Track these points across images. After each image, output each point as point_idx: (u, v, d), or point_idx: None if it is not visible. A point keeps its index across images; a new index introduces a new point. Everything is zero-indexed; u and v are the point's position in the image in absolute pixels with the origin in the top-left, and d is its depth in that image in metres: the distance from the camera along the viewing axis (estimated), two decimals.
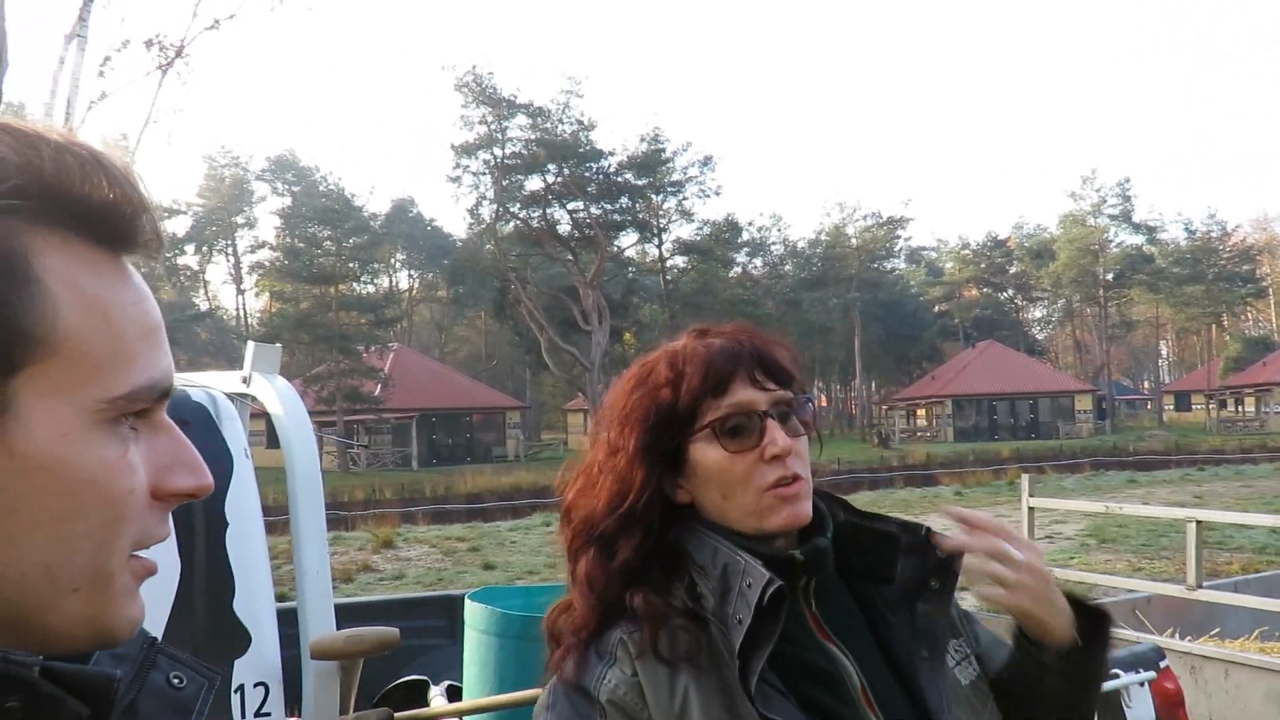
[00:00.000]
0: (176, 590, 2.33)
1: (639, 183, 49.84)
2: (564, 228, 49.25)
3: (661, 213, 52.15)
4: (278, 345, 2.85)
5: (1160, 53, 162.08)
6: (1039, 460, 38.28)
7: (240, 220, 70.07)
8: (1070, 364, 78.09)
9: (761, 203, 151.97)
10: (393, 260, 73.62)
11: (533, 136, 47.02)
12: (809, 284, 60.27)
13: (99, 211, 0.57)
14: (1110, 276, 63.60)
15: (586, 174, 48.34)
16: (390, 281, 75.59)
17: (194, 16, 14.83)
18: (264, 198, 68.13)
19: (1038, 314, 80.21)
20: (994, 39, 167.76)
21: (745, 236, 57.98)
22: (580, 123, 47.87)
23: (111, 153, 0.59)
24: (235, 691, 2.37)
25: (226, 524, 2.45)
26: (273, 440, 2.61)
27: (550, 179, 47.65)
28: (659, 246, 53.61)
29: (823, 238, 63.32)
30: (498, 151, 46.62)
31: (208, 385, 2.67)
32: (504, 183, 46.65)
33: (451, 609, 4.20)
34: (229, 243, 71.47)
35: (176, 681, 0.65)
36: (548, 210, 48.70)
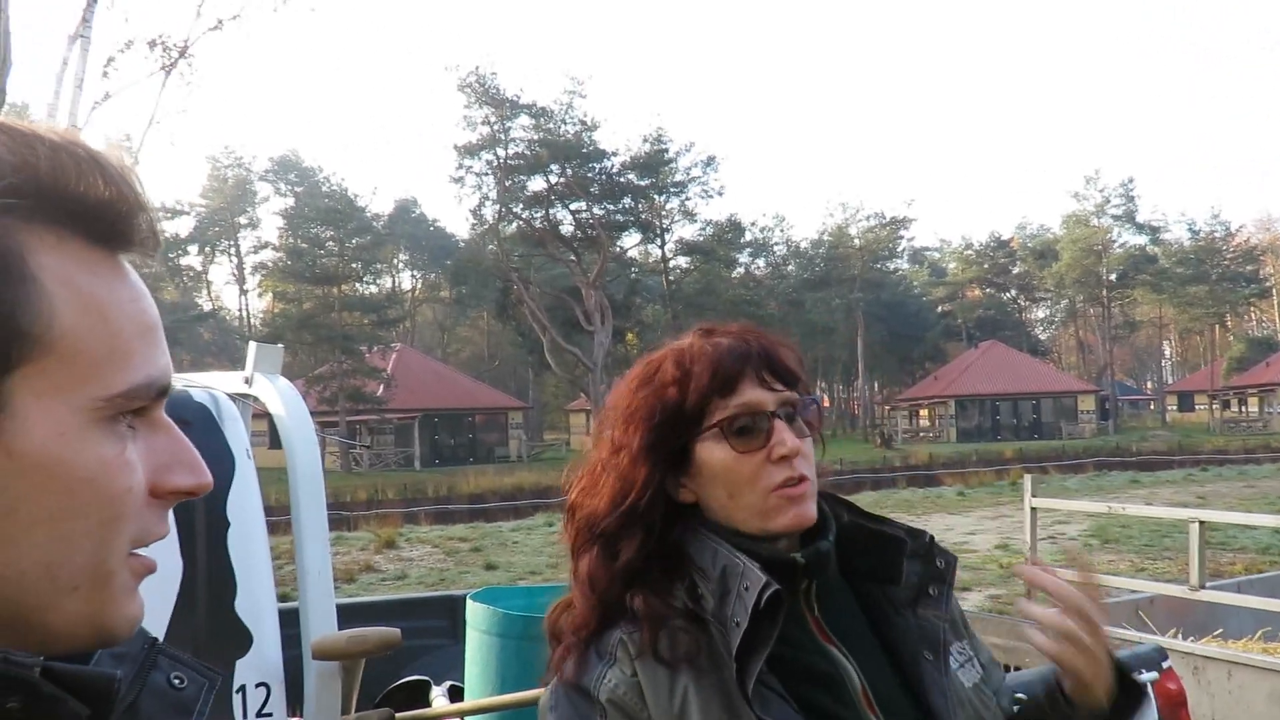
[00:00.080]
0: (178, 590, 2.34)
1: (642, 183, 49.84)
2: (567, 228, 49.26)
3: (664, 213, 52.17)
4: (280, 346, 2.85)
5: (1164, 53, 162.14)
6: (1042, 461, 38.27)
7: (243, 221, 70.19)
8: (1073, 364, 78.11)
9: (764, 203, 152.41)
10: (395, 261, 73.71)
11: (536, 137, 47.04)
12: (812, 284, 60.27)
13: (95, 210, 0.57)
14: (1114, 277, 63.55)
15: (589, 174, 48.34)
16: (393, 282, 75.69)
17: (197, 17, 14.85)
18: (267, 198, 68.30)
19: (1041, 314, 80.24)
20: (997, 39, 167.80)
21: (748, 237, 58.03)
22: (583, 123, 47.91)
23: (108, 151, 0.58)
24: (237, 692, 2.37)
25: (228, 524, 2.45)
26: (275, 440, 2.61)
27: (553, 179, 47.66)
28: (662, 247, 53.64)
29: (826, 238, 63.33)
30: (501, 152, 46.64)
31: (210, 386, 2.68)
32: (507, 183, 46.66)
33: (453, 609, 4.20)
34: (232, 243, 71.59)
35: (177, 682, 0.65)
36: (550, 211, 48.71)
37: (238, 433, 2.58)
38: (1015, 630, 4.17)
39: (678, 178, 50.99)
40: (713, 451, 1.18)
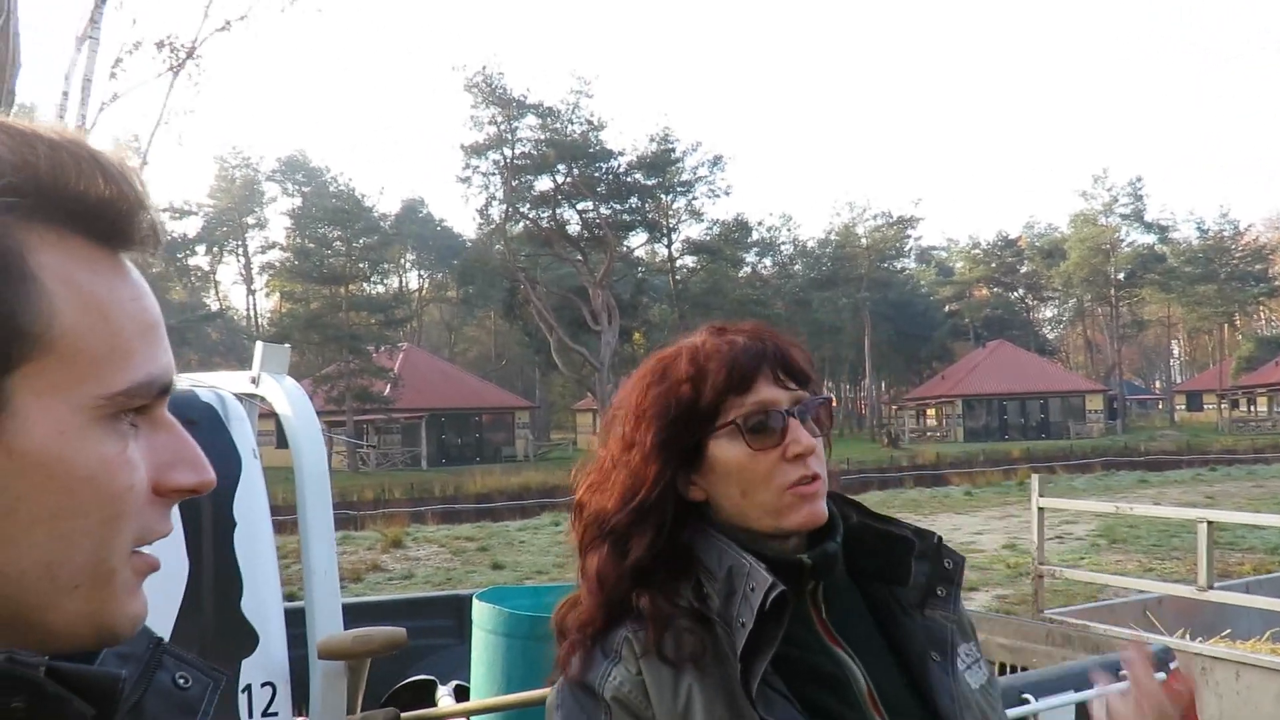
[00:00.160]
0: (185, 590, 2.34)
1: (648, 183, 49.80)
2: (573, 228, 49.23)
3: (671, 213, 52.12)
4: (286, 346, 2.86)
5: (1171, 52, 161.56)
6: (1049, 460, 38.16)
7: (251, 221, 70.33)
8: (1081, 364, 77.89)
9: (771, 202, 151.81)
10: (403, 260, 73.78)
11: (542, 137, 47.01)
12: (819, 284, 60.19)
13: (95, 208, 0.57)
14: (1122, 276, 63.37)
15: (596, 174, 48.32)
16: (400, 282, 75.77)
17: (205, 18, 14.85)
18: (274, 198, 68.45)
19: (1048, 313, 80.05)
20: (1005, 38, 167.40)
21: (755, 236, 57.88)
22: (590, 123, 47.88)
23: (109, 151, 0.58)
24: (243, 691, 2.38)
25: (234, 524, 2.46)
26: (283, 440, 2.62)
27: (560, 179, 47.63)
28: (668, 246, 53.59)
29: (832, 237, 63.23)
30: (507, 152, 46.62)
31: (216, 386, 2.68)
32: (514, 183, 46.65)
33: (459, 609, 4.20)
34: (240, 243, 71.75)
35: (182, 681, 0.65)
36: (557, 210, 48.70)
37: (244, 432, 2.58)
38: (1022, 630, 4.16)
39: (684, 177, 50.93)
40: (727, 449, 1.18)
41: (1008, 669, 3.87)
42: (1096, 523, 16.13)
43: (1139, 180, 67.65)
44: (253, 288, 70.91)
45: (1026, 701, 2.87)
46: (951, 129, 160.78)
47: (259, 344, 2.75)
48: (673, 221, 52.45)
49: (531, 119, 46.87)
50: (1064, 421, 57.65)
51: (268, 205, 69.94)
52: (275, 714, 2.42)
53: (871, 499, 23.47)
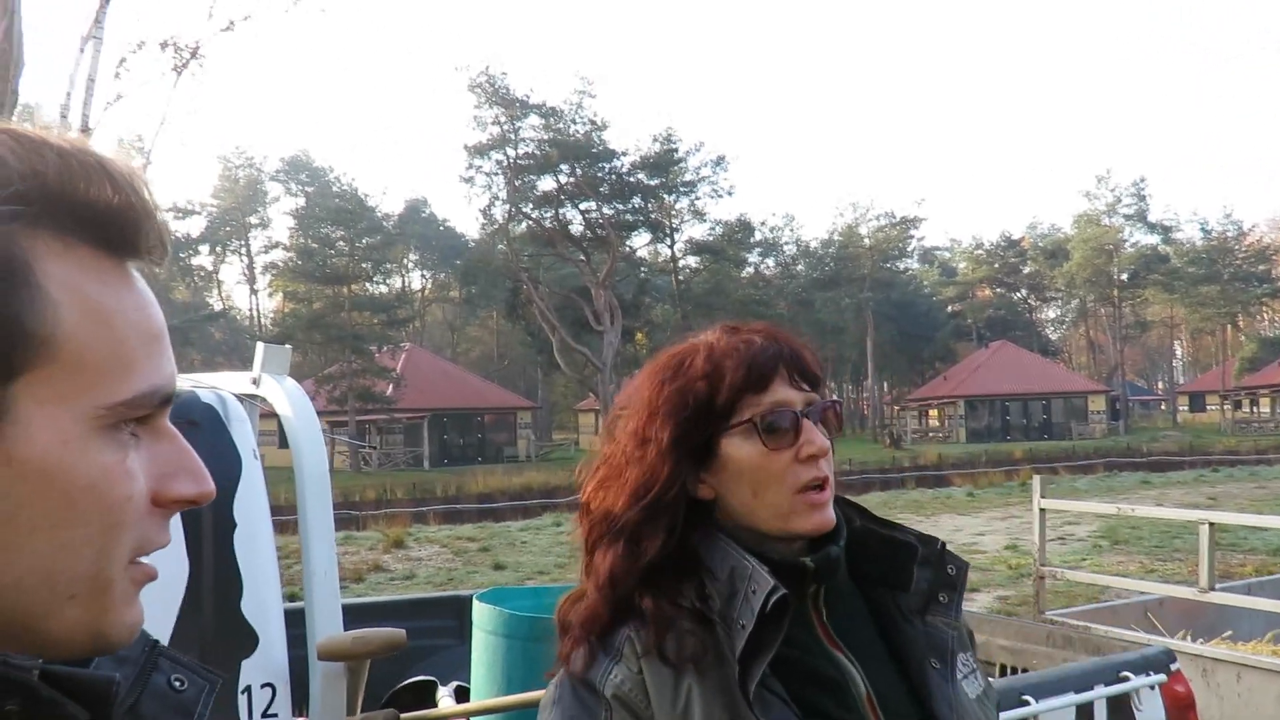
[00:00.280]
0: (184, 591, 2.34)
1: (651, 183, 49.80)
2: (576, 228, 49.23)
3: (674, 213, 52.14)
4: (287, 347, 2.87)
5: (1173, 53, 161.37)
6: (1052, 461, 38.08)
7: (254, 221, 70.38)
8: (1084, 364, 77.75)
9: (774, 203, 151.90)
10: (405, 260, 73.79)
11: (545, 137, 47.02)
12: (821, 284, 60.15)
13: (103, 217, 0.57)
14: (1125, 276, 63.29)
15: (599, 174, 48.30)
16: (403, 282, 75.81)
17: (209, 18, 14.90)
18: (278, 198, 68.54)
19: (1051, 314, 79.97)
20: (1007, 39, 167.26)
21: (758, 236, 57.93)
22: (593, 123, 47.88)
23: (117, 158, 0.58)
24: (242, 692, 2.38)
25: (235, 525, 2.46)
26: (285, 440, 2.62)
27: (563, 179, 47.63)
28: (671, 247, 53.60)
29: (835, 238, 63.19)
30: (510, 152, 46.62)
31: (217, 386, 2.69)
32: (516, 183, 46.67)
33: (460, 609, 4.20)
34: (243, 243, 71.80)
35: (178, 684, 0.65)
36: (560, 210, 48.69)
37: (245, 434, 2.58)
38: (1023, 632, 4.16)
39: (687, 177, 50.96)
40: (740, 447, 1.18)
41: (1008, 670, 3.86)
42: (1098, 524, 16.10)
43: (1142, 181, 67.64)
44: (256, 287, 71.04)
45: (1026, 703, 2.86)
46: (955, 129, 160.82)
47: (260, 345, 2.76)
48: (675, 222, 52.49)
49: (534, 119, 46.89)
50: (1066, 422, 57.59)
51: (271, 205, 70.09)
52: (275, 715, 2.42)
53: (873, 500, 23.46)
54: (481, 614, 2.81)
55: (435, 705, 3.13)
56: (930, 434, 60.51)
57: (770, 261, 63.33)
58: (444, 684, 3.34)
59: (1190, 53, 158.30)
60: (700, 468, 1.20)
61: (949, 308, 70.68)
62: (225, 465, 2.46)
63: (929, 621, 1.22)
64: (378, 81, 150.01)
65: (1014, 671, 3.82)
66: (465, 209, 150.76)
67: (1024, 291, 73.17)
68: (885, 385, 70.92)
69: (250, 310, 74.22)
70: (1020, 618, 7.47)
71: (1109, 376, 66.90)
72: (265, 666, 2.43)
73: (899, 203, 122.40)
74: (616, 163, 48.97)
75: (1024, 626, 4.44)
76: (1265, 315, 76.85)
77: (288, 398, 2.64)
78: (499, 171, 47.22)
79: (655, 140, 49.38)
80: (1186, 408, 72.77)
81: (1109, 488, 26.36)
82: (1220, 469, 32.50)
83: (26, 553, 0.54)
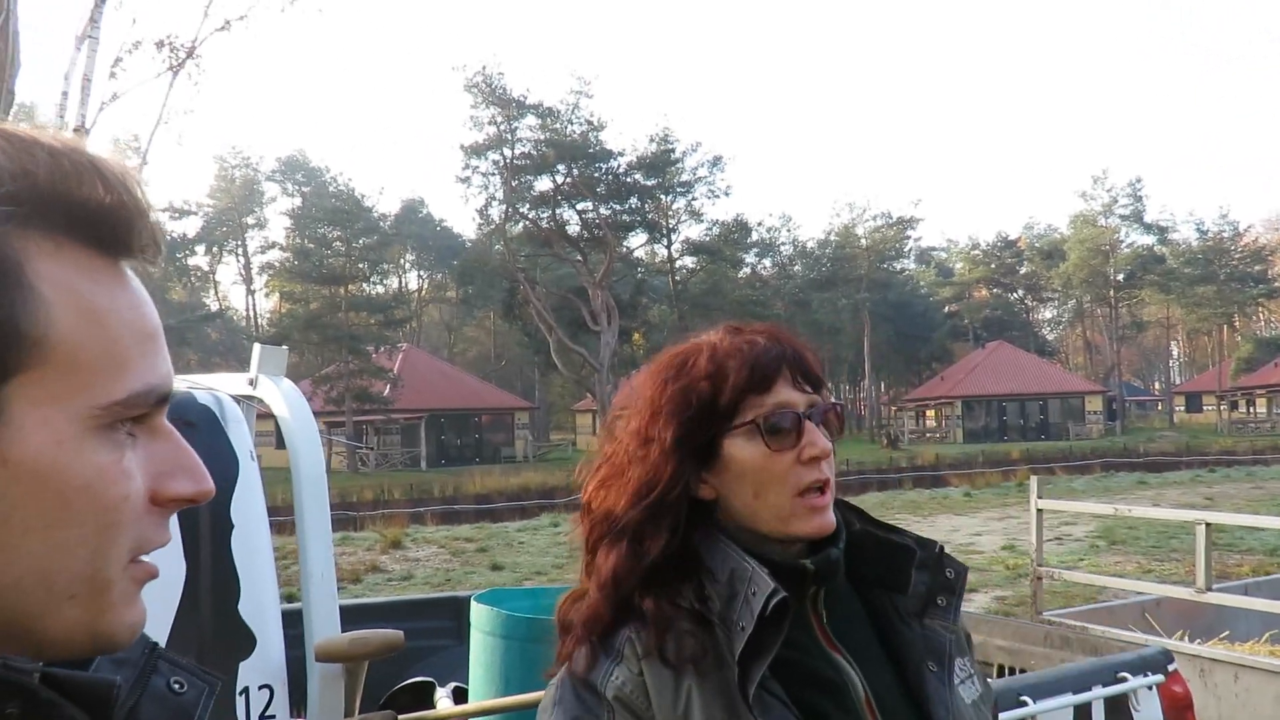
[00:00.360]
0: (182, 592, 2.34)
1: (648, 183, 49.80)
2: (573, 228, 49.22)
3: (671, 213, 52.12)
4: (284, 348, 2.87)
5: (1171, 53, 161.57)
6: (1049, 461, 38.15)
7: (250, 221, 70.36)
8: (1080, 365, 77.93)
9: (771, 203, 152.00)
10: (402, 261, 73.82)
11: (542, 137, 47.00)
12: (818, 284, 60.18)
13: (95, 216, 0.57)
14: (1121, 277, 63.36)
15: (596, 174, 48.31)
16: (400, 282, 75.81)
17: (205, 18, 14.86)
18: (274, 198, 68.49)
19: (1048, 314, 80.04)
20: (1004, 38, 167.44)
21: (754, 237, 57.92)
22: (590, 123, 47.87)
23: (109, 157, 0.58)
24: (240, 693, 2.38)
25: (232, 526, 2.46)
26: (282, 441, 2.62)
27: (559, 179, 47.62)
28: (668, 247, 53.61)
29: (832, 238, 63.23)
30: (507, 152, 46.61)
31: (214, 388, 2.68)
32: (513, 183, 46.64)
33: (458, 610, 4.19)
34: (239, 243, 71.78)
35: (177, 687, 0.65)
36: (557, 211, 48.70)
37: (241, 435, 2.58)
38: (1020, 632, 4.16)
39: (684, 178, 50.95)
40: (743, 448, 1.18)
41: (1006, 671, 3.86)
42: (1095, 524, 16.11)
43: (1138, 181, 67.66)
44: (252, 288, 70.98)
45: (1024, 703, 2.86)
46: (951, 130, 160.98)
47: (256, 346, 2.75)
48: (672, 222, 52.48)
49: (531, 119, 46.88)
50: (1063, 423, 57.66)
51: (267, 205, 70.07)
52: (273, 716, 2.42)
53: (870, 500, 23.48)
54: (479, 615, 2.80)
55: (433, 706, 3.12)
56: (927, 434, 60.56)
57: (767, 262, 63.40)
58: (442, 685, 3.34)
59: (1188, 53, 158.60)
60: (702, 468, 1.20)
61: (946, 308, 70.76)
62: (222, 466, 2.46)
63: (927, 625, 1.22)
64: (374, 81, 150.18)
65: (1011, 672, 3.82)
66: (462, 209, 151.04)
67: (1020, 292, 73.25)
68: (882, 385, 70.97)
69: (247, 310, 74.21)
70: (1018, 618, 7.48)
71: (1106, 377, 66.99)
72: (263, 668, 2.43)
73: (896, 203, 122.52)
74: (613, 163, 48.98)
75: (1021, 627, 4.43)
76: (1261, 315, 77.03)
77: (285, 399, 2.64)
78: (496, 172, 47.21)
79: (652, 140, 49.41)
80: (1183, 408, 72.87)
81: (1106, 488, 26.40)
82: (1217, 469, 32.59)
83: (23, 554, 0.54)
